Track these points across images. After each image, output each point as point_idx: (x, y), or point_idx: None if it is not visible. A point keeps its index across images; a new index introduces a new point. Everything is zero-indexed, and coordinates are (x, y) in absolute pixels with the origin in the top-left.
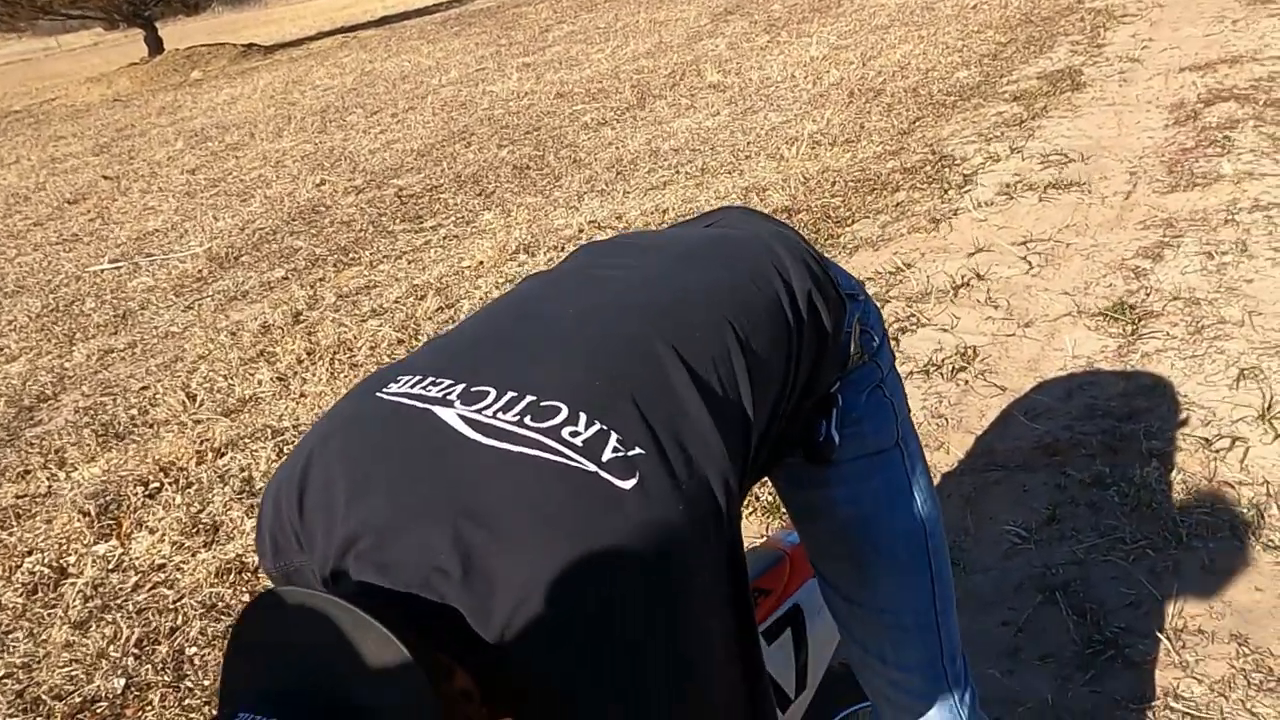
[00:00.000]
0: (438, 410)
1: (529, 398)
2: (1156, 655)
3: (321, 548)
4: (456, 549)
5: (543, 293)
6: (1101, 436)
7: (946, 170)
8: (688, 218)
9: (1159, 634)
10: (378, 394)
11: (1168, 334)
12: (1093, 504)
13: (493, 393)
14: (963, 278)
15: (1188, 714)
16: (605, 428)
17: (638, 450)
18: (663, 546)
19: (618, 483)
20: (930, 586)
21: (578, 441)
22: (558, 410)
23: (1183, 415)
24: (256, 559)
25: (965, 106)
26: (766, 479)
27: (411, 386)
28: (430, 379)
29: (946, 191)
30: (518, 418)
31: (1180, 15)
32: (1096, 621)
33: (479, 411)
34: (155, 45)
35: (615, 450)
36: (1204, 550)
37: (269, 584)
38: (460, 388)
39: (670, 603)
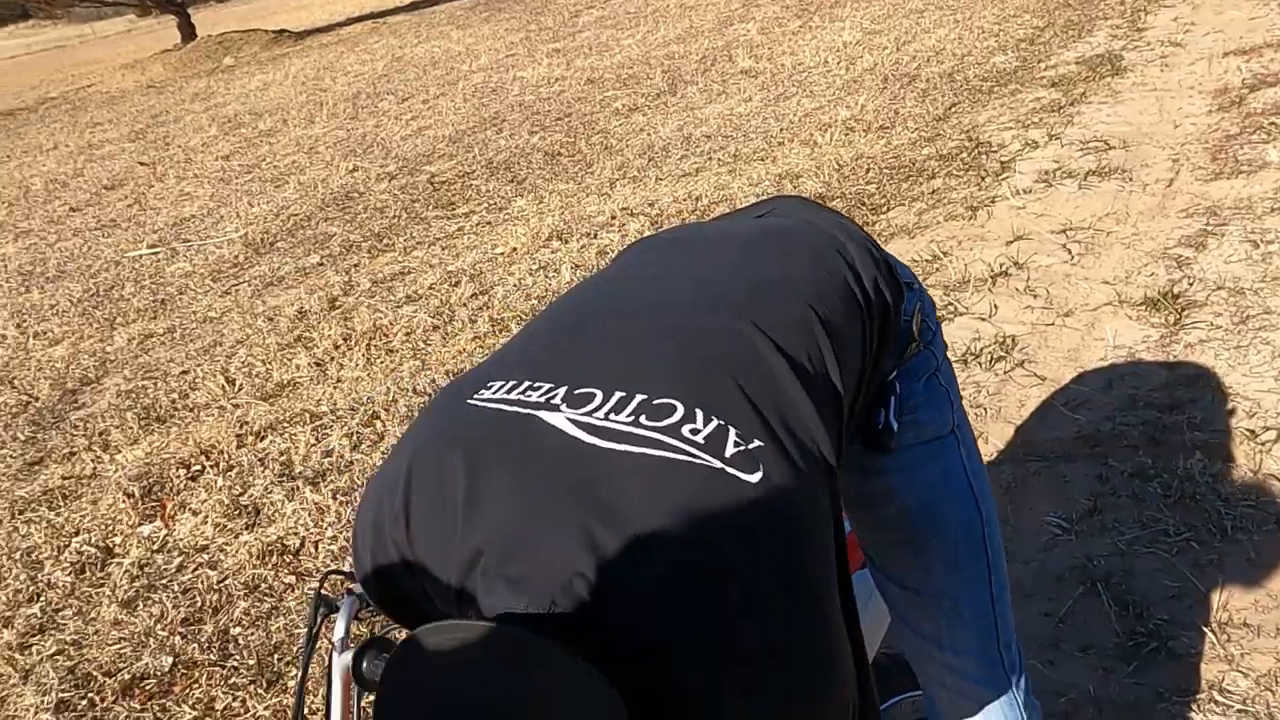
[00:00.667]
0: (544, 415)
1: (639, 397)
2: (1201, 648)
3: (437, 569)
4: (592, 554)
5: (615, 290)
6: (1144, 427)
7: (983, 157)
8: (738, 208)
9: (1203, 627)
10: (469, 402)
11: (1211, 324)
12: (1135, 495)
13: (599, 394)
14: (1001, 266)
15: (1232, 708)
16: (723, 423)
17: (756, 443)
18: (793, 539)
19: (744, 477)
20: (987, 572)
21: (699, 439)
22: (673, 408)
23: (1227, 406)
24: (299, 537)
25: (1002, 92)
26: None
27: (508, 392)
28: (527, 383)
29: (984, 179)
30: (632, 418)
31: None
32: (1139, 613)
33: (589, 414)
34: (188, 32)
35: (736, 445)
36: (1249, 543)
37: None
38: (563, 390)
39: (806, 595)
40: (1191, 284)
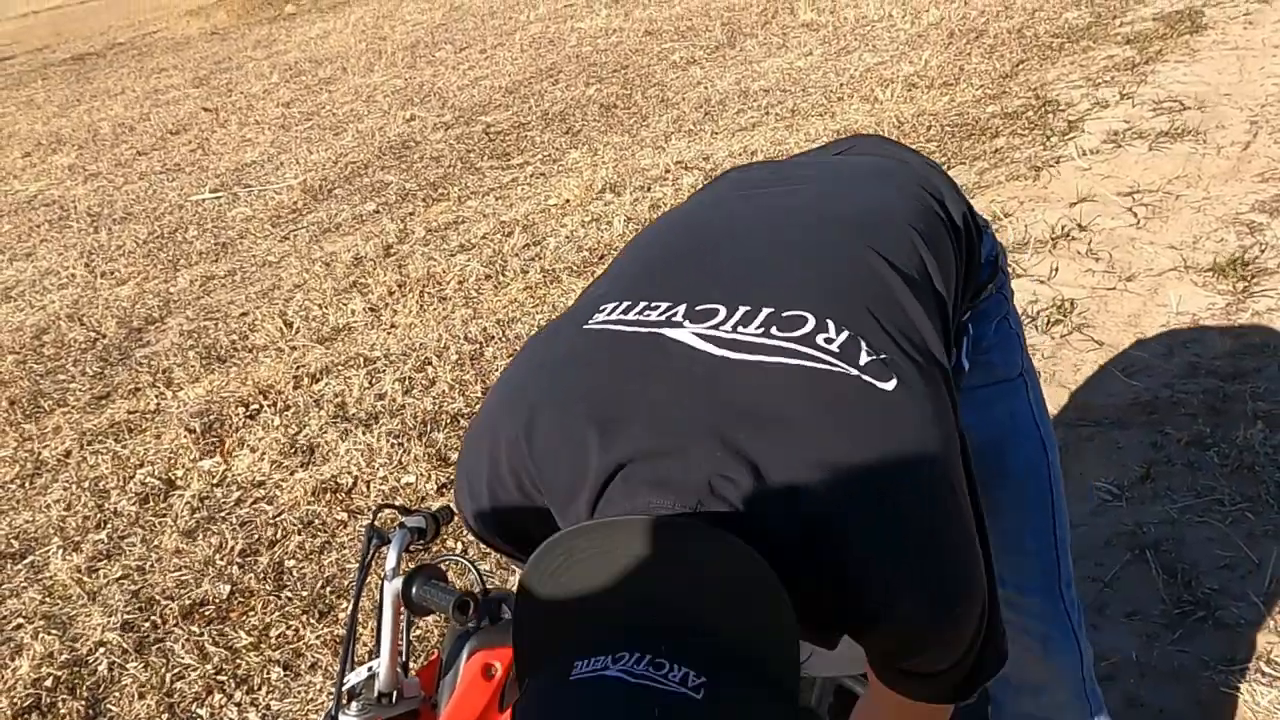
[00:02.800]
0: (668, 332)
1: (767, 309)
2: (1249, 619)
3: (568, 488)
4: (738, 456)
5: (721, 211)
6: (1204, 396)
7: (1050, 116)
8: (813, 147)
9: (1254, 598)
10: (586, 326)
11: None
12: (1190, 464)
13: (723, 310)
14: (1063, 228)
15: (1279, 679)
16: (854, 333)
17: (886, 354)
18: (932, 442)
19: (880, 385)
20: (1051, 511)
21: (833, 348)
22: (804, 319)
23: None
24: (352, 477)
25: (1073, 49)
26: None
27: (625, 313)
28: (644, 303)
29: (1049, 138)
30: (762, 329)
31: None
32: (1188, 582)
33: (716, 328)
34: None
35: (869, 354)
36: None
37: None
38: (683, 307)
39: (953, 491)
40: (1263, 250)
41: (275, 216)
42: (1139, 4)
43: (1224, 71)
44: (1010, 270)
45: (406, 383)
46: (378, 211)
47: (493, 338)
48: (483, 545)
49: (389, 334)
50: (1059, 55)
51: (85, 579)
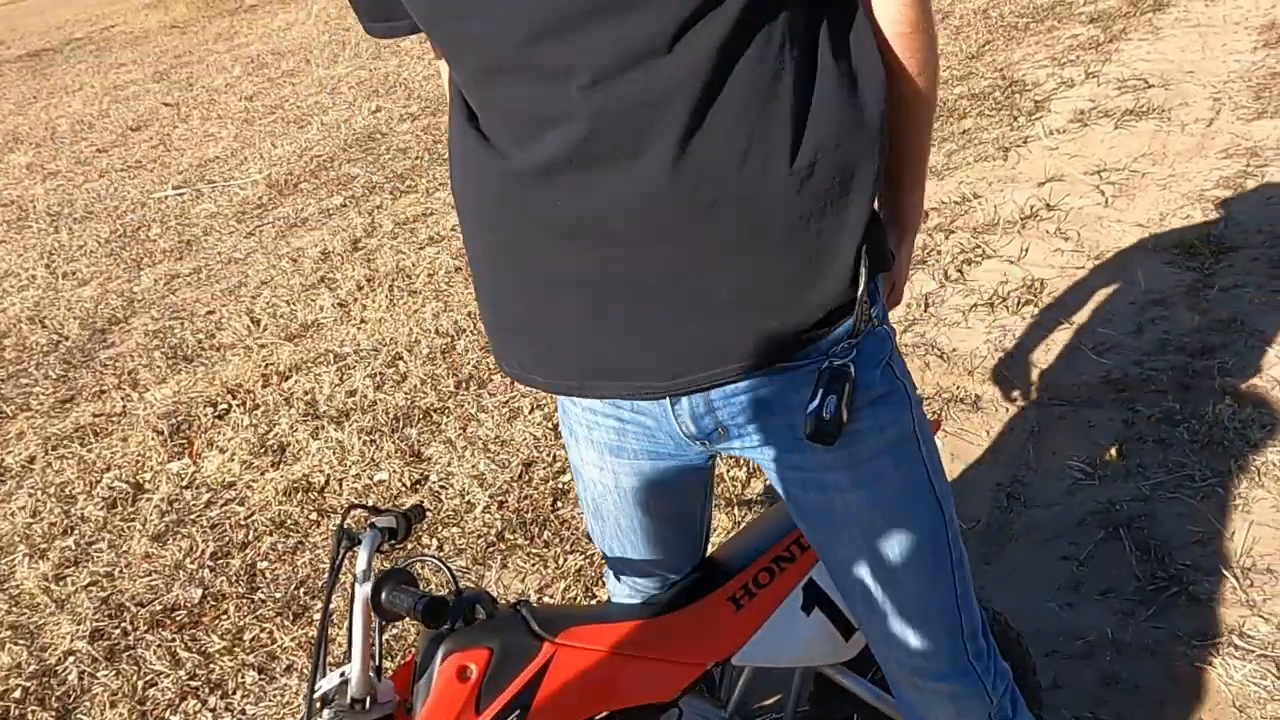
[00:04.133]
0: None
1: None
2: (1222, 593)
3: None
4: None
5: None
6: (1173, 373)
7: (1017, 96)
8: None
9: (1225, 572)
10: None
11: (1247, 270)
12: (1161, 440)
13: None
14: (1032, 208)
15: (1252, 653)
16: None
17: None
18: None
19: None
20: (952, 576)
21: None
22: None
23: (1260, 352)
24: (324, 475)
25: (1038, 29)
26: (770, 484)
27: None
28: None
29: (1016, 119)
30: None
31: None
32: (1161, 558)
33: None
34: None
35: None
36: (1276, 489)
37: (338, 506)
38: None
39: None
40: (1228, 227)
41: (240, 212)
42: None
43: (1187, 49)
44: (980, 253)
45: (378, 378)
46: (345, 205)
47: (464, 330)
48: (456, 540)
49: (359, 329)
50: (1024, 35)
51: (53, 587)
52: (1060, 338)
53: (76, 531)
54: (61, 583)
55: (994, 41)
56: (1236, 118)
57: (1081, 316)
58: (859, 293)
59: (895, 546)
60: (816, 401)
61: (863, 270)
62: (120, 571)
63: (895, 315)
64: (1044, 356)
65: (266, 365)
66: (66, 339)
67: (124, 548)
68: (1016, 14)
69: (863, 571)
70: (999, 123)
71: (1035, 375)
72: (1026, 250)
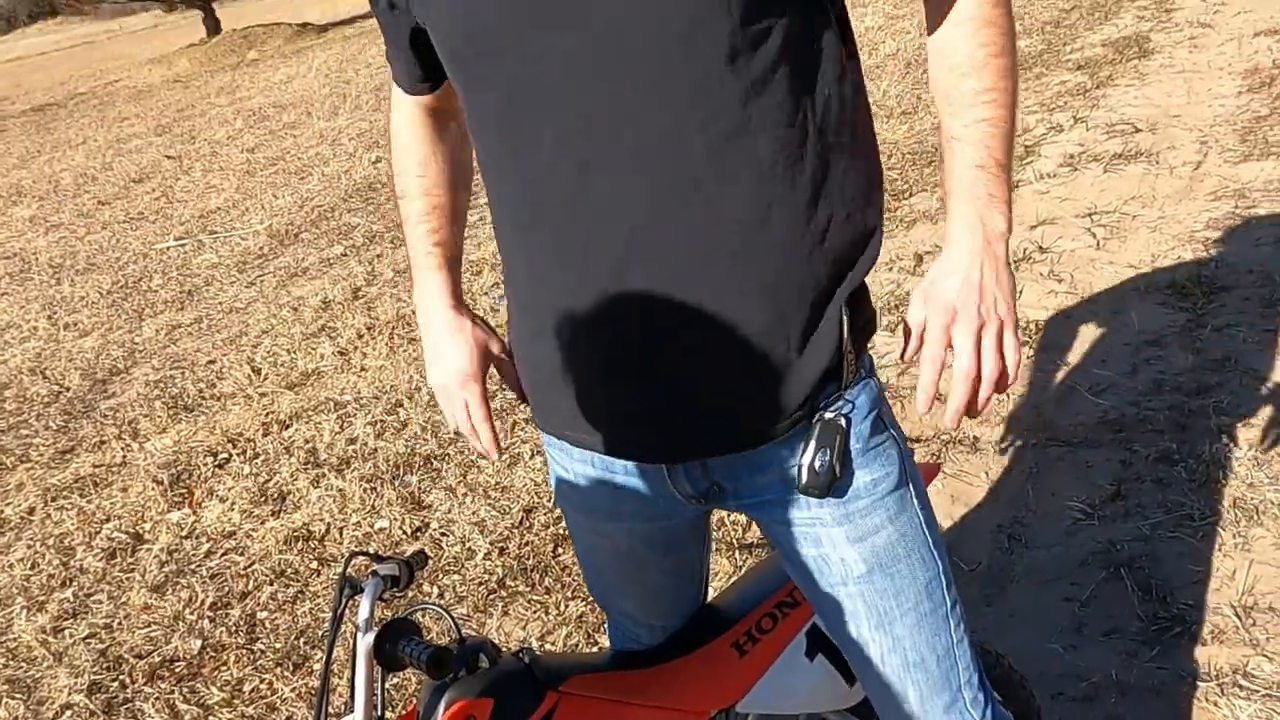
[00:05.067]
0: None
1: None
2: (1225, 633)
3: None
4: None
5: None
6: (1169, 412)
7: None
8: None
9: (1228, 611)
10: None
11: (1239, 309)
12: (1159, 480)
13: None
14: (1025, 251)
15: (1256, 692)
16: None
17: None
18: None
19: None
20: (948, 624)
21: None
22: None
23: (1255, 391)
24: (325, 523)
25: (1027, 76)
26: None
27: None
28: None
29: None
30: None
31: None
32: (1163, 598)
33: None
34: (213, 26)
35: None
36: (1275, 527)
37: (339, 554)
38: None
39: None
40: (1219, 267)
41: (241, 262)
42: (1088, 31)
43: (1173, 94)
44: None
45: (378, 426)
46: (345, 254)
47: None
48: (457, 587)
49: (359, 377)
50: None
51: (51, 639)
52: (1057, 379)
53: (75, 583)
54: (59, 635)
55: None
56: (1223, 160)
57: (1077, 357)
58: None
59: (891, 597)
60: (810, 455)
61: (845, 333)
62: (119, 623)
63: (893, 357)
64: (1041, 397)
65: (267, 414)
66: (67, 390)
67: (123, 599)
68: None
69: (859, 622)
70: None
71: (1033, 416)
72: (1021, 292)
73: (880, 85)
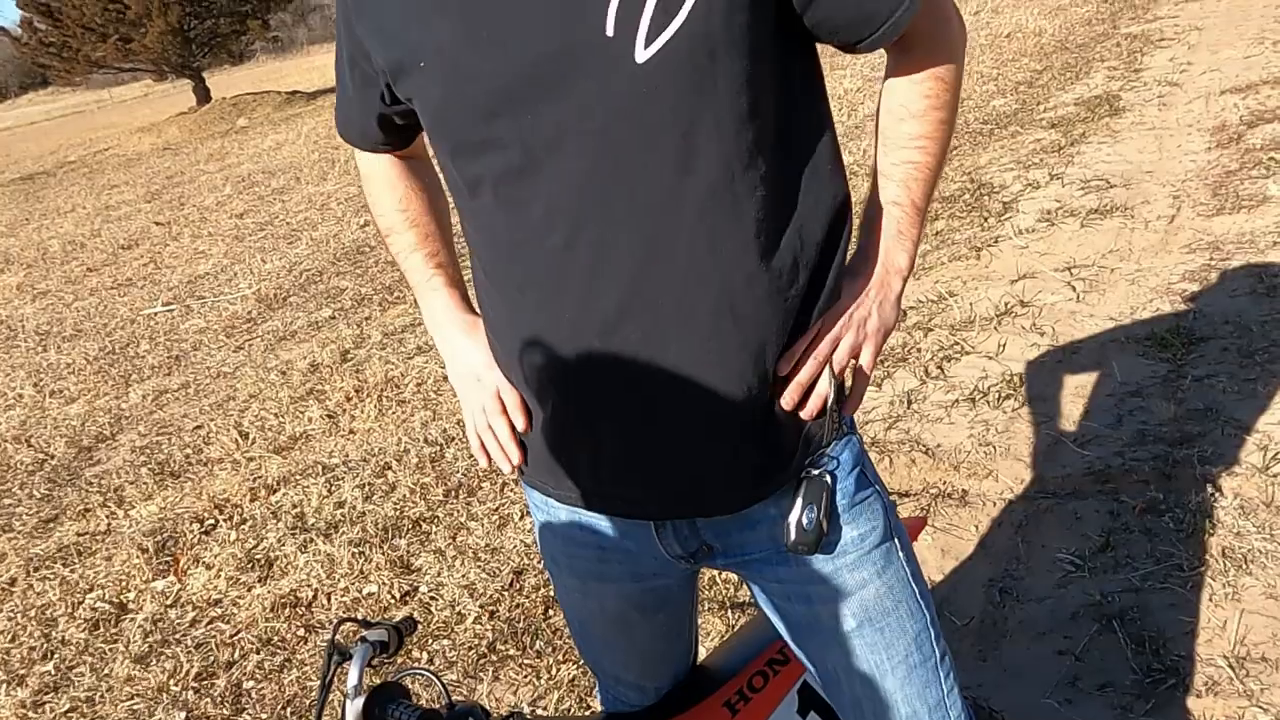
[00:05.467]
0: None
1: None
2: (1219, 684)
3: None
4: None
5: None
6: (1154, 463)
7: (986, 198)
8: None
9: (1221, 662)
10: None
11: (1218, 359)
12: (1148, 531)
13: None
14: (1006, 305)
15: None
16: None
17: None
18: None
19: None
20: (938, 675)
21: None
22: None
23: (1238, 440)
24: (312, 589)
25: (1002, 134)
26: (752, 596)
27: None
28: None
29: (987, 219)
30: None
31: (1219, 38)
32: (1156, 650)
33: None
34: (203, 95)
35: None
36: (1265, 576)
37: (326, 621)
38: None
39: None
40: (1197, 319)
41: (230, 327)
42: (1060, 90)
43: (1144, 150)
44: (959, 349)
45: (366, 489)
46: (334, 317)
47: (453, 439)
48: (447, 652)
49: (348, 440)
50: (990, 140)
51: (31, 714)
52: (1042, 431)
53: (57, 655)
54: (40, 710)
55: (961, 147)
56: (1196, 214)
57: (1061, 409)
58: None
59: (881, 650)
60: (797, 512)
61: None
62: (101, 696)
63: (880, 413)
64: (1027, 450)
65: (254, 479)
66: (52, 458)
67: (105, 671)
68: (981, 120)
69: (850, 678)
70: (970, 224)
71: (1020, 469)
72: (1004, 346)
73: (860, 145)
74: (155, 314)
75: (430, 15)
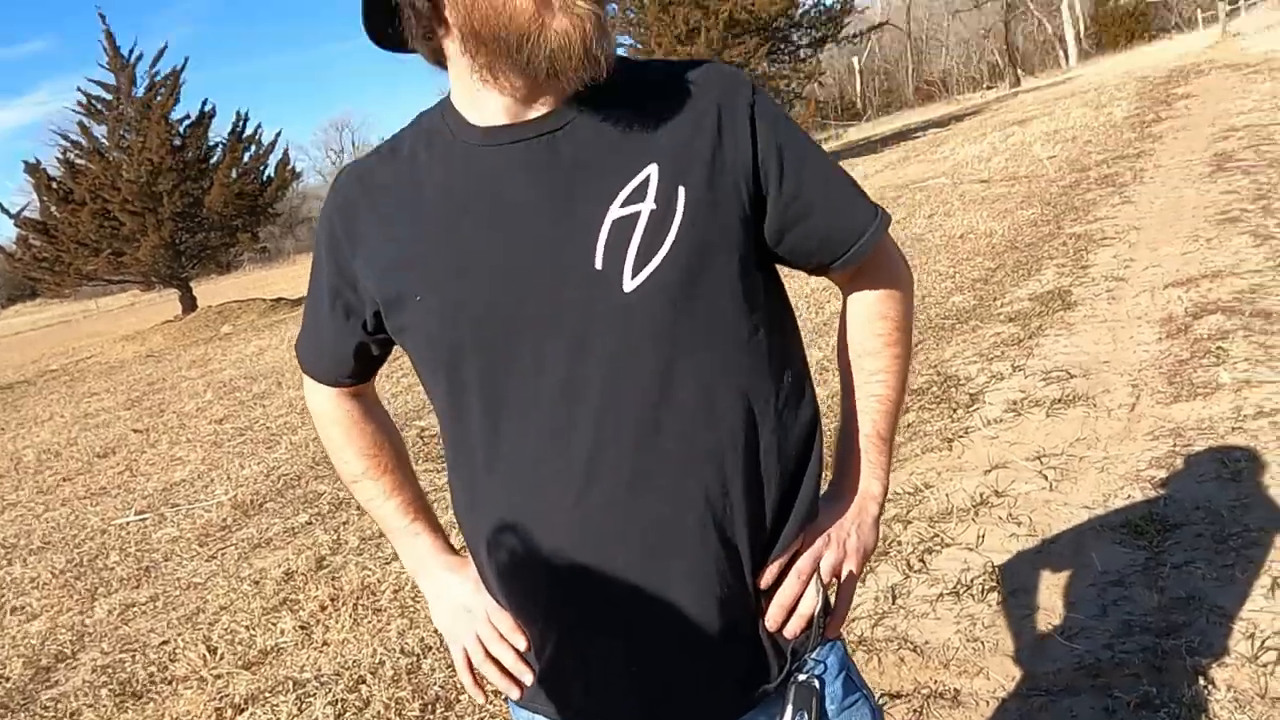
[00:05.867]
0: None
1: None
2: None
3: None
4: None
5: None
6: (1144, 654)
7: (953, 390)
8: None
9: None
10: None
11: (1193, 545)
12: None
13: None
14: (982, 495)
15: None
16: None
17: None
18: None
19: None
20: None
21: None
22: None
23: (1224, 628)
24: None
25: (964, 329)
26: None
27: None
28: None
29: (955, 411)
30: None
31: (1156, 236)
32: None
33: None
34: (189, 303)
35: None
36: None
37: None
38: None
39: None
40: (1168, 505)
41: (203, 535)
42: (1014, 286)
43: (1099, 341)
44: (938, 541)
45: (339, 705)
46: (310, 523)
47: (430, 648)
48: None
49: (320, 653)
50: (952, 335)
51: None
52: (1028, 623)
53: None
54: None
55: (925, 341)
56: (1155, 402)
57: (1045, 600)
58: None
59: None
60: (787, 719)
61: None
62: None
63: (866, 609)
64: (1016, 644)
65: (221, 697)
66: (7, 680)
67: None
68: (942, 316)
69: None
70: (940, 415)
71: (1010, 665)
72: (983, 537)
73: (828, 340)
74: (127, 523)
75: (426, 250)
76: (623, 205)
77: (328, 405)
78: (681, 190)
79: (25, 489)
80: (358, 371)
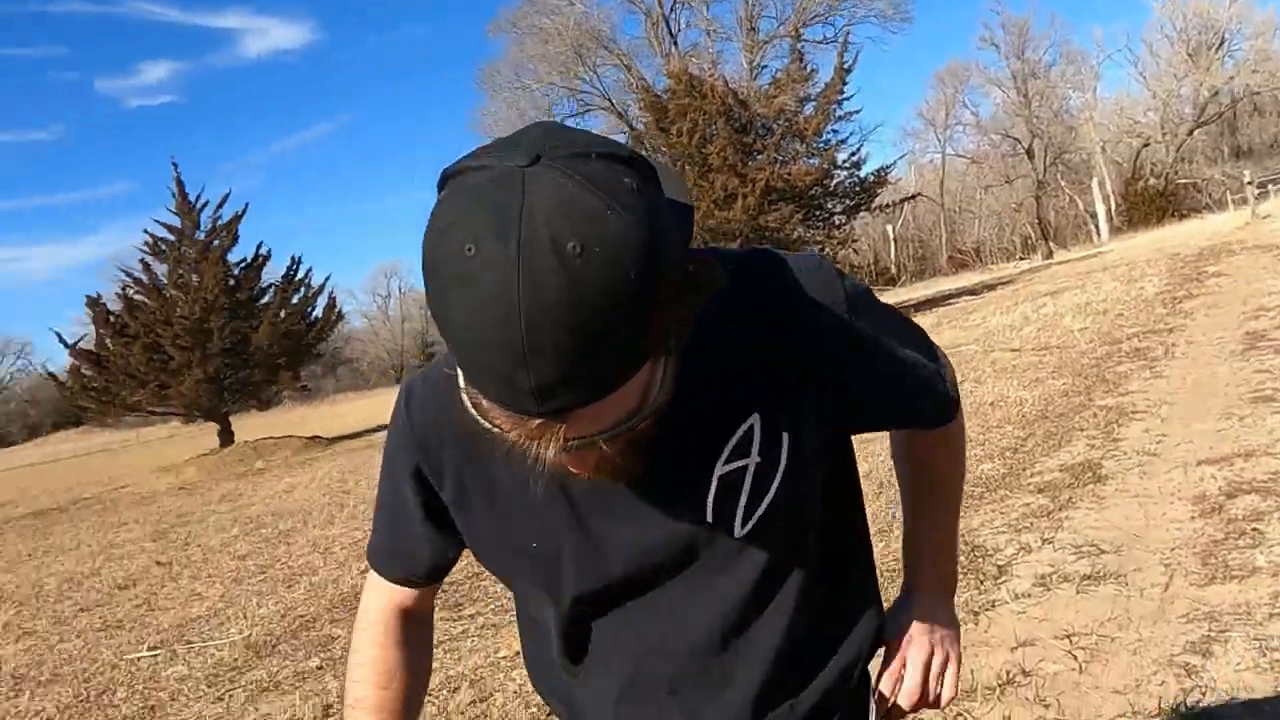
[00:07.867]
0: None
1: None
2: None
3: None
4: None
5: None
6: None
7: (980, 560)
8: None
9: None
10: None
11: None
12: None
13: None
14: (1008, 674)
15: None
16: None
17: None
18: None
19: None
20: None
21: None
22: None
23: None
24: None
25: (992, 498)
26: None
27: None
28: None
29: (983, 582)
30: None
31: (1188, 412)
32: None
33: None
34: (226, 437)
35: None
36: None
37: None
38: None
39: None
40: (1205, 693)
41: (213, 675)
42: (1045, 456)
43: (1131, 517)
44: None
45: None
46: (321, 668)
47: None
48: None
49: None
50: (980, 504)
51: None
52: None
53: None
54: None
55: None
56: (1189, 583)
57: None
58: None
59: None
60: None
61: None
62: None
63: None
64: None
65: None
66: None
67: None
68: (971, 484)
69: None
70: (966, 586)
71: None
72: (1009, 719)
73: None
74: (139, 659)
75: (543, 531)
76: (726, 462)
77: (379, 602)
78: (785, 438)
79: (43, 618)
80: (433, 569)
